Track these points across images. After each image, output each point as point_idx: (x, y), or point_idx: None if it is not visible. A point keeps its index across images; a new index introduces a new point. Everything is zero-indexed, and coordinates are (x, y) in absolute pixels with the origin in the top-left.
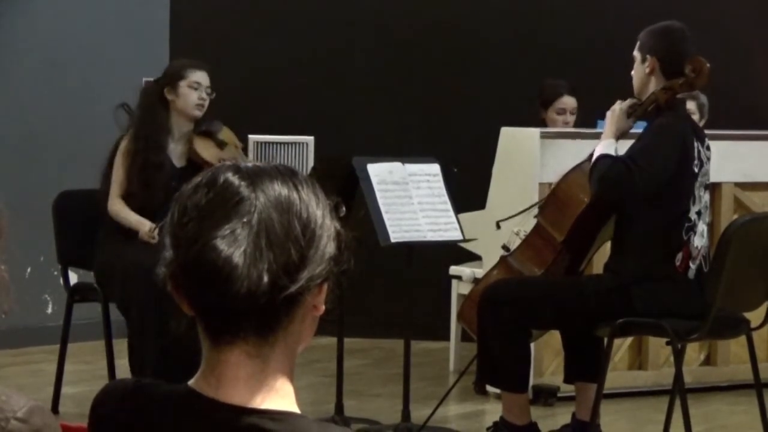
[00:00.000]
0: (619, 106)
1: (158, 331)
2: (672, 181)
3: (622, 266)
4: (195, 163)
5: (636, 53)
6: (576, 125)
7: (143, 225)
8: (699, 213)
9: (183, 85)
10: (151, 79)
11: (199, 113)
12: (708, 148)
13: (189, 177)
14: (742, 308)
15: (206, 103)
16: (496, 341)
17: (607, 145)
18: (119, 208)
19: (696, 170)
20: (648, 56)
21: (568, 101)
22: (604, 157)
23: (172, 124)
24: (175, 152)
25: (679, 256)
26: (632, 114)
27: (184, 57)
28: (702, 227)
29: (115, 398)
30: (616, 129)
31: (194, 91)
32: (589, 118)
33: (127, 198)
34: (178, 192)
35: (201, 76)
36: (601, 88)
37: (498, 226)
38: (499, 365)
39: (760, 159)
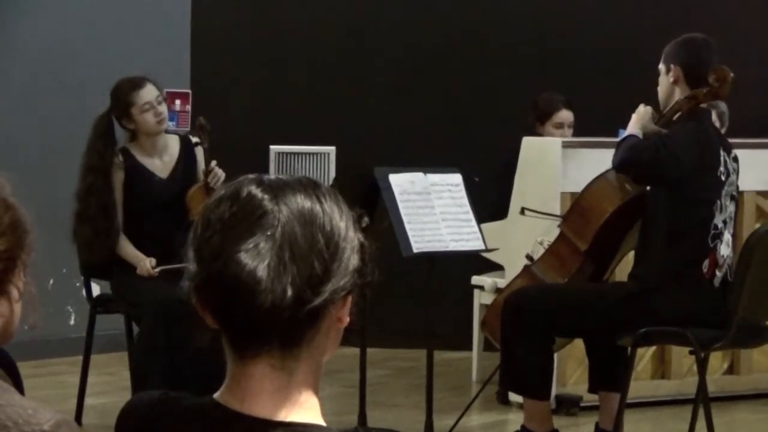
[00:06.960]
0: (644, 107)
1: (167, 347)
2: (692, 183)
3: (645, 273)
4: (182, 170)
5: (661, 65)
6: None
7: (140, 261)
8: (725, 222)
9: (135, 112)
10: (165, 91)
11: (164, 127)
12: (735, 160)
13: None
14: (765, 317)
15: (165, 113)
16: (520, 348)
17: (634, 132)
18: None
19: (723, 178)
20: (672, 66)
21: (566, 115)
22: (632, 135)
23: (144, 142)
24: (158, 166)
25: (706, 263)
26: (657, 122)
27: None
28: (727, 236)
29: (142, 411)
30: (641, 126)
31: (148, 112)
32: (610, 128)
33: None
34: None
35: (147, 93)
36: (622, 99)
37: (522, 212)
38: (522, 372)
39: None
